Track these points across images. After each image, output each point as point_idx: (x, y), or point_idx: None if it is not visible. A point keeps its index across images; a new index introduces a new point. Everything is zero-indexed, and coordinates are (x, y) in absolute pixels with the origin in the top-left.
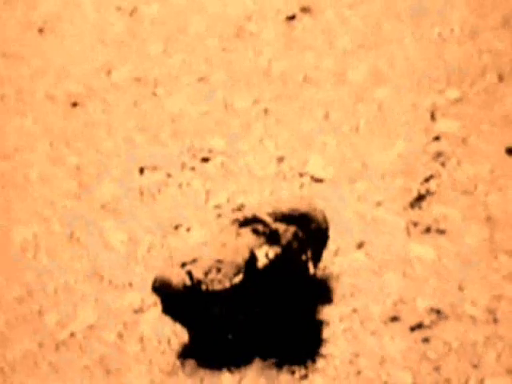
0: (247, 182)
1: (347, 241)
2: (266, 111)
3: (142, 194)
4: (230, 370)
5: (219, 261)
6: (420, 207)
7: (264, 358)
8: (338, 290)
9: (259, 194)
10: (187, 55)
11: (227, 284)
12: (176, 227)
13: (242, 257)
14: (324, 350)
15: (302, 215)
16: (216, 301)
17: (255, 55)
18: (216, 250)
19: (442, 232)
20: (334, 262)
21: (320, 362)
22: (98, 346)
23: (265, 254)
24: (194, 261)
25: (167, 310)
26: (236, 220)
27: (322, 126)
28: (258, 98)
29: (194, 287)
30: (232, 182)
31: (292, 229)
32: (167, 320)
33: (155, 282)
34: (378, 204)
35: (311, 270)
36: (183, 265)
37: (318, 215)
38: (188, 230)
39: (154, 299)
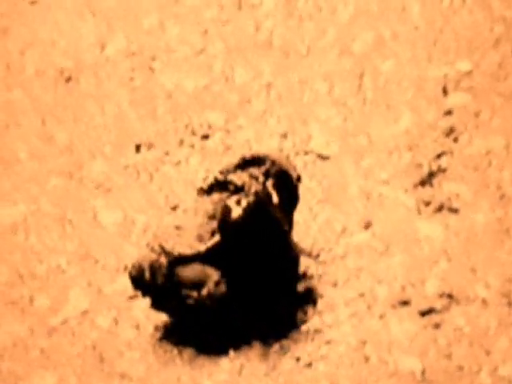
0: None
1: (353, 220)
2: (267, 85)
3: (137, 172)
4: (229, 357)
5: (190, 227)
6: (430, 185)
7: (265, 343)
8: (343, 272)
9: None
10: (184, 27)
11: (202, 247)
12: (174, 208)
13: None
14: (328, 335)
15: (282, 171)
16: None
17: (256, 27)
18: (188, 219)
19: (452, 211)
20: (338, 242)
21: (324, 349)
22: (91, 333)
23: (236, 203)
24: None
25: (154, 303)
26: (201, 188)
27: (326, 99)
28: (259, 71)
29: (166, 267)
30: (232, 159)
31: (260, 177)
32: None
33: (130, 273)
34: (385, 182)
35: (285, 226)
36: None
37: (285, 162)
38: (186, 211)
39: None
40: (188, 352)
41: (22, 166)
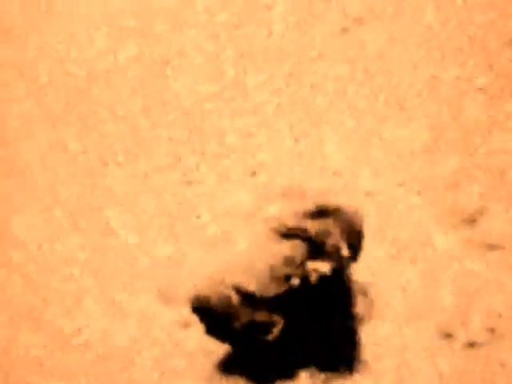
0: (261, 164)
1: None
2: (279, 90)
3: (148, 179)
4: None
5: (268, 270)
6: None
7: (309, 372)
8: (389, 304)
9: (275, 173)
10: (196, 32)
11: (276, 291)
12: (187, 216)
13: (289, 267)
14: (373, 366)
15: (341, 213)
16: (263, 308)
17: (267, 31)
18: (262, 260)
19: (495, 247)
20: (386, 273)
21: (368, 379)
22: (111, 352)
23: (316, 268)
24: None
25: (210, 330)
26: (277, 229)
27: (337, 102)
28: (271, 75)
29: (237, 303)
30: (245, 163)
31: (337, 242)
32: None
33: (195, 301)
34: (400, 185)
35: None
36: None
37: (353, 214)
38: (198, 216)
39: (171, 300)
40: (234, 378)
41: (34, 175)
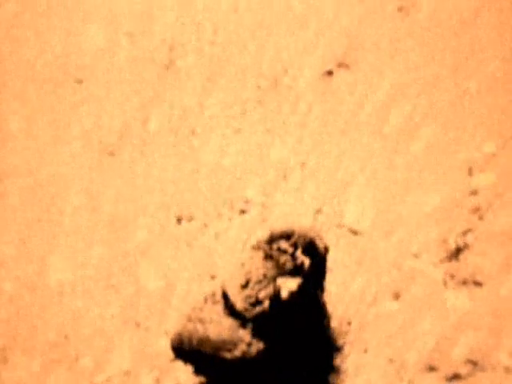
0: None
1: (383, 291)
2: (302, 163)
3: (178, 242)
4: None
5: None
6: (457, 259)
7: None
8: (374, 339)
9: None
10: (222, 107)
11: (252, 312)
12: (212, 277)
13: (264, 287)
14: None
15: (310, 242)
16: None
17: (292, 107)
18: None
19: (478, 284)
20: (369, 311)
21: None
22: None
23: (287, 284)
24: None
25: (195, 369)
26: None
27: (358, 177)
28: (295, 149)
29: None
30: (269, 232)
31: (308, 260)
32: None
33: (172, 344)
34: (415, 255)
35: (320, 297)
36: (190, 317)
37: (320, 243)
38: (222, 279)
39: None
40: None
41: (67, 235)
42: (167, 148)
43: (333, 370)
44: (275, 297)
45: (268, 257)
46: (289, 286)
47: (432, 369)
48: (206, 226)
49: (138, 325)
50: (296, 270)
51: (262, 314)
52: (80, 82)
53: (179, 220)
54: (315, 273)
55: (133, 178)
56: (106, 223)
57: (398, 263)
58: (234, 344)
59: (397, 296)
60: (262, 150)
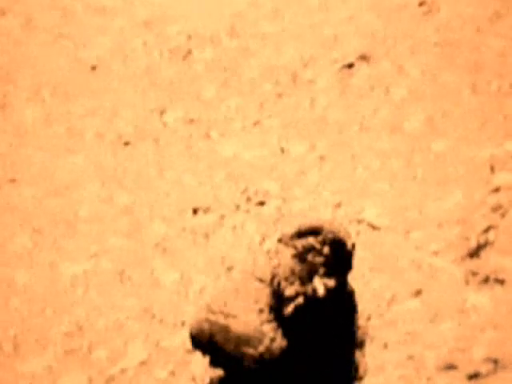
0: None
1: (403, 289)
2: (321, 158)
3: (194, 234)
4: None
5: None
6: (478, 257)
7: None
8: (393, 336)
9: None
10: (241, 100)
11: (287, 309)
12: (229, 269)
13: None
14: None
15: (338, 239)
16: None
17: (311, 102)
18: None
19: (500, 282)
20: (389, 309)
21: None
22: (148, 383)
23: (323, 283)
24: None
25: (212, 361)
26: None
27: (378, 174)
28: (314, 144)
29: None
30: (287, 226)
31: (317, 245)
32: None
33: (191, 334)
34: (435, 253)
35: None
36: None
37: (349, 240)
38: (243, 272)
39: None
40: None
41: (82, 225)
42: (184, 140)
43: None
44: (310, 295)
45: (297, 253)
46: (327, 284)
47: (452, 367)
48: (222, 217)
49: (153, 317)
50: (327, 268)
51: (295, 311)
52: (94, 68)
53: (195, 211)
54: (345, 271)
55: (148, 169)
56: (121, 214)
57: (418, 261)
58: (259, 340)
59: (417, 294)
60: (280, 144)
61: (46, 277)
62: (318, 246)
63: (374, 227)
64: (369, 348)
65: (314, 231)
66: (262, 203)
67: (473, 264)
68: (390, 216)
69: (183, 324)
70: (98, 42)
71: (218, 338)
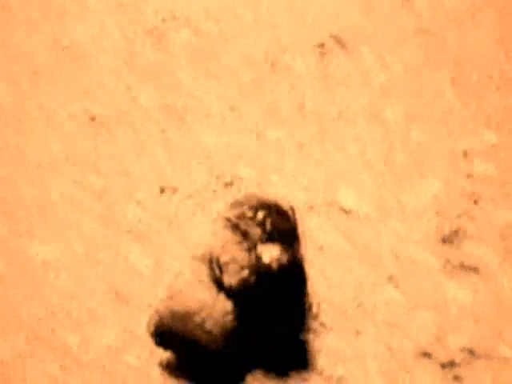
0: None
1: (382, 278)
2: (299, 145)
3: (169, 220)
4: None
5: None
6: (456, 246)
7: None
8: (372, 326)
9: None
10: (218, 84)
11: (233, 282)
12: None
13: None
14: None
15: (273, 205)
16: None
17: (289, 89)
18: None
19: (476, 271)
20: (367, 299)
21: None
22: (121, 370)
23: (269, 251)
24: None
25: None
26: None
27: (357, 162)
28: (292, 131)
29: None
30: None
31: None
32: None
33: (152, 324)
34: (413, 242)
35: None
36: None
37: (285, 205)
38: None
39: None
40: None
41: (54, 208)
42: (159, 123)
43: (326, 354)
44: (256, 265)
45: (229, 223)
46: (271, 252)
47: (428, 355)
48: (198, 204)
49: (126, 303)
50: (268, 236)
51: (243, 283)
52: (68, 49)
53: (171, 196)
54: (291, 242)
55: (123, 153)
56: (94, 198)
57: (396, 250)
58: (210, 314)
59: (396, 283)
60: (258, 130)
61: (17, 260)
62: (250, 213)
63: (352, 215)
64: (346, 337)
65: (249, 203)
66: (238, 189)
67: (450, 252)
68: (369, 204)
69: (157, 310)
70: (71, 23)
71: (178, 322)
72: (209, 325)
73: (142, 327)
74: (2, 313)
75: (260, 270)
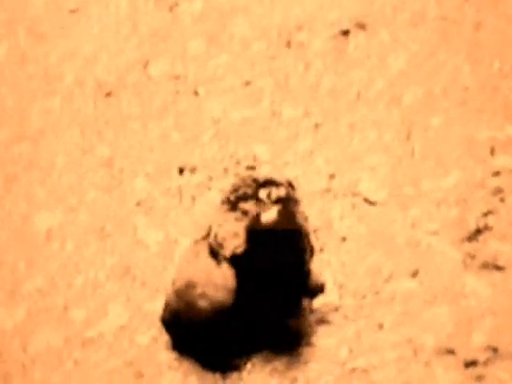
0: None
1: (400, 267)
2: (316, 125)
3: (180, 194)
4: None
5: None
6: (477, 241)
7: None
8: (390, 317)
9: (308, 209)
10: (231, 57)
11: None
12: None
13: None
14: (375, 377)
15: (267, 181)
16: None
17: (305, 66)
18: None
19: (499, 268)
20: (385, 287)
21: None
22: (128, 348)
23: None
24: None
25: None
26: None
27: (374, 146)
28: (308, 110)
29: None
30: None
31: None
32: None
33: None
34: (433, 233)
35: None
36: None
37: (281, 179)
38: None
39: None
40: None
41: (58, 175)
42: (169, 95)
43: (344, 342)
44: (253, 228)
45: (234, 205)
46: (269, 213)
47: (449, 352)
48: (210, 179)
49: (134, 278)
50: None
51: (241, 249)
52: (74, 12)
53: (181, 171)
54: (289, 203)
55: (131, 122)
56: (101, 166)
57: (415, 239)
58: (211, 281)
59: (414, 274)
60: (272, 107)
61: (19, 228)
62: (249, 191)
63: (369, 201)
64: (363, 326)
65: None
66: (251, 167)
67: (472, 247)
68: (387, 191)
69: (167, 289)
70: None
71: (183, 307)
72: (210, 291)
73: (152, 305)
74: (2, 283)
75: (257, 231)
